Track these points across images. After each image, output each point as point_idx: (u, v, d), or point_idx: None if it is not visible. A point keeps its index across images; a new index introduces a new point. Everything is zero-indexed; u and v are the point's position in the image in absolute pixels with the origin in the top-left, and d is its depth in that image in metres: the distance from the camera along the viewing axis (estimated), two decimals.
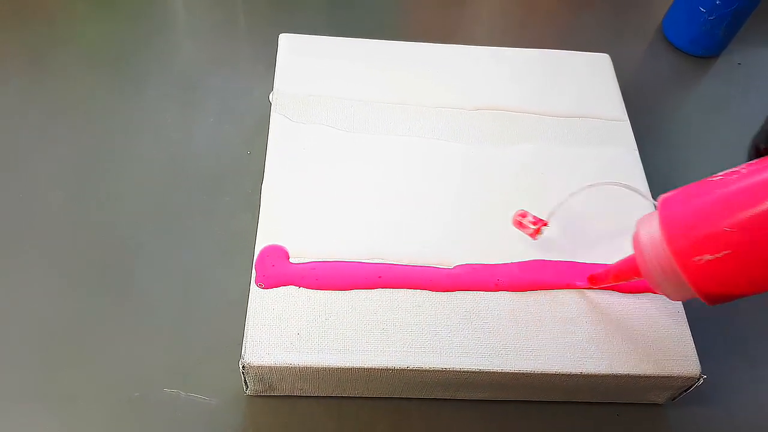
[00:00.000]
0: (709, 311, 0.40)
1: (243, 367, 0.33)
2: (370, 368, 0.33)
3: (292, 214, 0.37)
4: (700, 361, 0.35)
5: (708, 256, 0.27)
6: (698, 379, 0.35)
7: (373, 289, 0.35)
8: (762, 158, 0.28)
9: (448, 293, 0.35)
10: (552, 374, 0.34)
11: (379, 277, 0.35)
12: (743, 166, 0.28)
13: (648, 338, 0.35)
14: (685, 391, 0.36)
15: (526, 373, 0.34)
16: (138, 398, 0.35)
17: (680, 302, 0.37)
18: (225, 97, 0.49)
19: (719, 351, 0.39)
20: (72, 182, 0.43)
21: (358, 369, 0.33)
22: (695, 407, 0.38)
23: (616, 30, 0.59)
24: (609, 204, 0.39)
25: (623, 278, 0.34)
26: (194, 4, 0.56)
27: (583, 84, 0.46)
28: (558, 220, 0.38)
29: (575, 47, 0.49)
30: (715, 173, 0.29)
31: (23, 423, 0.34)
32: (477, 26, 0.59)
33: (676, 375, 0.34)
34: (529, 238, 0.37)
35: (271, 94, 0.44)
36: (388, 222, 0.38)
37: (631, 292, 0.37)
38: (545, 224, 0.37)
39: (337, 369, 0.33)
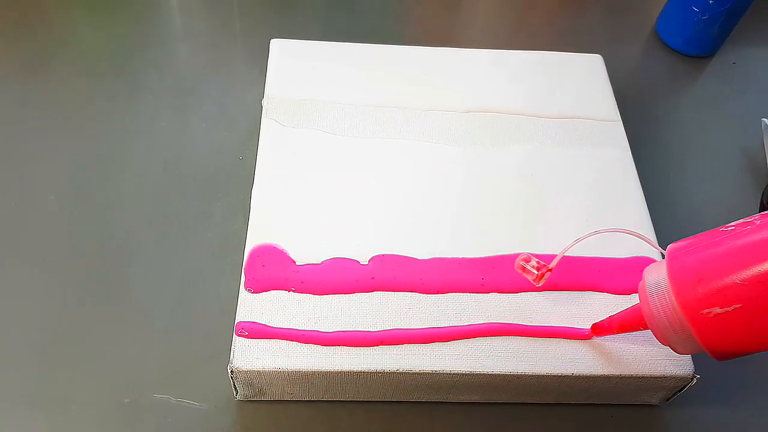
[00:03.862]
0: None
1: (231, 372, 0.32)
2: (360, 372, 0.33)
3: (282, 217, 0.37)
4: (693, 362, 0.34)
5: (718, 309, 0.26)
6: (692, 380, 0.34)
7: (365, 292, 0.35)
8: None
9: (438, 295, 0.35)
10: (543, 376, 0.34)
11: (372, 278, 0.35)
12: (757, 216, 0.28)
13: (640, 339, 0.35)
14: (679, 391, 0.36)
15: (518, 375, 0.34)
16: (128, 404, 0.35)
17: None
18: (219, 102, 0.49)
19: None
20: (67, 186, 0.43)
21: (348, 373, 0.33)
22: (689, 408, 0.37)
23: (610, 31, 0.59)
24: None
25: (628, 329, 0.32)
26: (190, 9, 0.56)
27: (576, 85, 0.46)
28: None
29: (569, 48, 0.49)
30: (726, 222, 0.28)
31: (13, 425, 0.34)
32: (471, 29, 0.59)
33: (669, 375, 0.34)
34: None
35: (264, 100, 0.44)
36: (379, 225, 0.38)
37: (623, 293, 0.36)
38: (549, 270, 0.35)
39: (327, 373, 0.33)
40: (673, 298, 0.27)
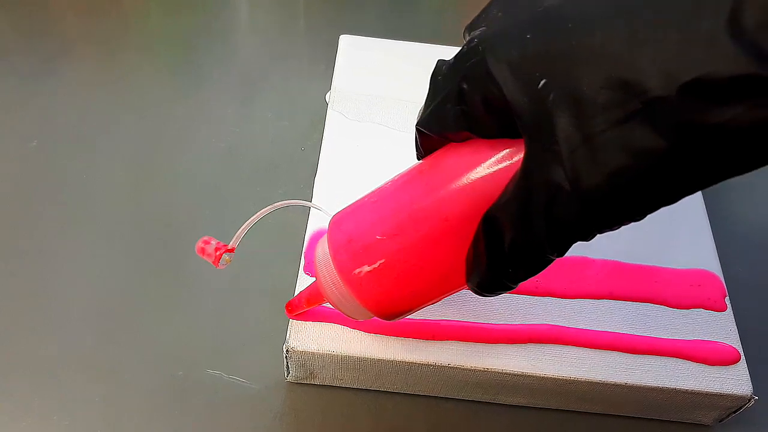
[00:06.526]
0: (765, 330, 0.39)
1: (287, 351, 0.33)
2: (411, 362, 0.33)
3: (343, 206, 0.38)
4: (752, 382, 0.34)
5: (366, 268, 0.26)
6: (749, 400, 0.33)
7: None
8: (412, 165, 0.28)
9: None
10: (596, 383, 0.33)
11: None
12: (398, 174, 0.28)
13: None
14: (735, 412, 0.35)
15: (570, 380, 0.33)
16: (181, 377, 0.36)
17: (732, 319, 0.36)
18: (284, 94, 0.50)
19: None
20: (134, 167, 0.45)
21: (400, 362, 0.33)
22: (744, 431, 0.36)
23: None
24: None
25: (314, 302, 0.32)
26: (258, 4, 0.58)
27: None
28: None
29: None
30: None
31: (69, 391, 0.35)
32: None
33: (725, 393, 0.33)
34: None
35: (327, 94, 0.45)
36: None
37: (680, 307, 0.36)
38: (229, 251, 0.32)
39: (379, 361, 0.33)
40: (331, 262, 0.27)
